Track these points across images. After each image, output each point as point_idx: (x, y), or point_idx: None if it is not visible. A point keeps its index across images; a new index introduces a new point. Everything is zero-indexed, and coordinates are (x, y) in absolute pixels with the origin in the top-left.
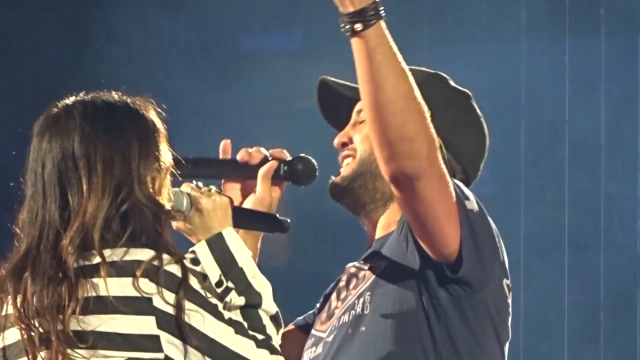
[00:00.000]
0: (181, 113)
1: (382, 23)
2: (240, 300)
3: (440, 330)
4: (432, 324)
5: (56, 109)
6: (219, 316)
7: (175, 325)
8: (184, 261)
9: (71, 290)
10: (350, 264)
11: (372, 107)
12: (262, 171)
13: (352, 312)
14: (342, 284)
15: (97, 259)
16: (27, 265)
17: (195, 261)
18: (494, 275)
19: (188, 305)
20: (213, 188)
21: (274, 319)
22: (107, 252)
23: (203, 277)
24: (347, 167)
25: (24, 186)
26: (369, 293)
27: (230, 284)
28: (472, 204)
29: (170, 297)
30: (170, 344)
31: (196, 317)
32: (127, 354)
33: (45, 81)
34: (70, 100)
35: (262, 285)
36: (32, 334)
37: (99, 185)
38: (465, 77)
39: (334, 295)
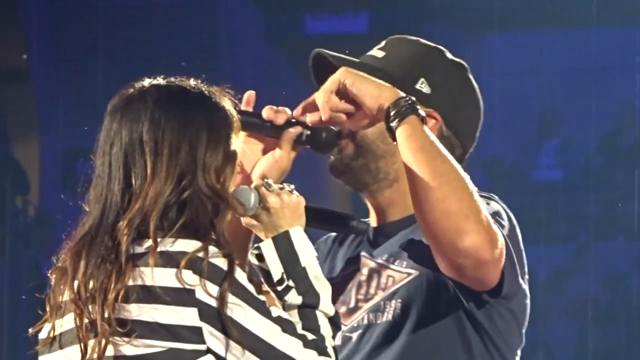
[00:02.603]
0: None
1: (417, 119)
2: (298, 300)
3: (475, 340)
4: (467, 335)
5: (131, 90)
6: (265, 313)
7: (218, 317)
8: (250, 256)
9: (118, 276)
10: (364, 254)
11: (417, 193)
12: (287, 134)
13: (380, 314)
14: (362, 277)
15: (146, 246)
16: (85, 245)
17: (260, 257)
18: (521, 281)
19: (232, 298)
20: (286, 187)
21: (331, 320)
22: (141, 247)
23: (266, 274)
24: (346, 146)
25: (92, 165)
26: (400, 300)
27: (291, 283)
28: (505, 225)
29: (214, 289)
30: (212, 336)
31: (239, 312)
32: (168, 344)
33: (118, 64)
34: (146, 82)
35: (322, 286)
36: (85, 320)
37: (163, 171)
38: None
39: (352, 288)
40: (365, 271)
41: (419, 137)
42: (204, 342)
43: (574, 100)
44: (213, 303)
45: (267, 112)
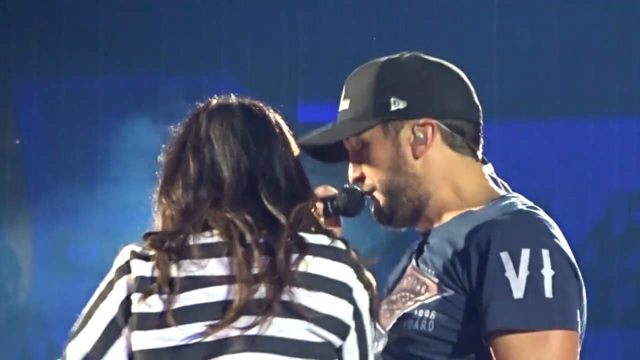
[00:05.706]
0: None
1: None
2: None
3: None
4: (483, 354)
5: (217, 102)
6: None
7: (361, 321)
8: None
9: (295, 261)
10: (411, 262)
11: None
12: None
13: (412, 322)
14: (404, 282)
15: (314, 238)
16: (234, 200)
17: None
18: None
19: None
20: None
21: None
22: (311, 236)
23: None
24: (378, 201)
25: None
26: (434, 312)
27: None
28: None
29: (365, 293)
30: (350, 337)
31: (371, 320)
32: (328, 335)
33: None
34: (216, 100)
35: None
36: (253, 296)
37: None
38: None
39: (395, 290)
40: (407, 275)
41: None
42: (344, 339)
43: (567, 189)
44: (362, 305)
45: None
